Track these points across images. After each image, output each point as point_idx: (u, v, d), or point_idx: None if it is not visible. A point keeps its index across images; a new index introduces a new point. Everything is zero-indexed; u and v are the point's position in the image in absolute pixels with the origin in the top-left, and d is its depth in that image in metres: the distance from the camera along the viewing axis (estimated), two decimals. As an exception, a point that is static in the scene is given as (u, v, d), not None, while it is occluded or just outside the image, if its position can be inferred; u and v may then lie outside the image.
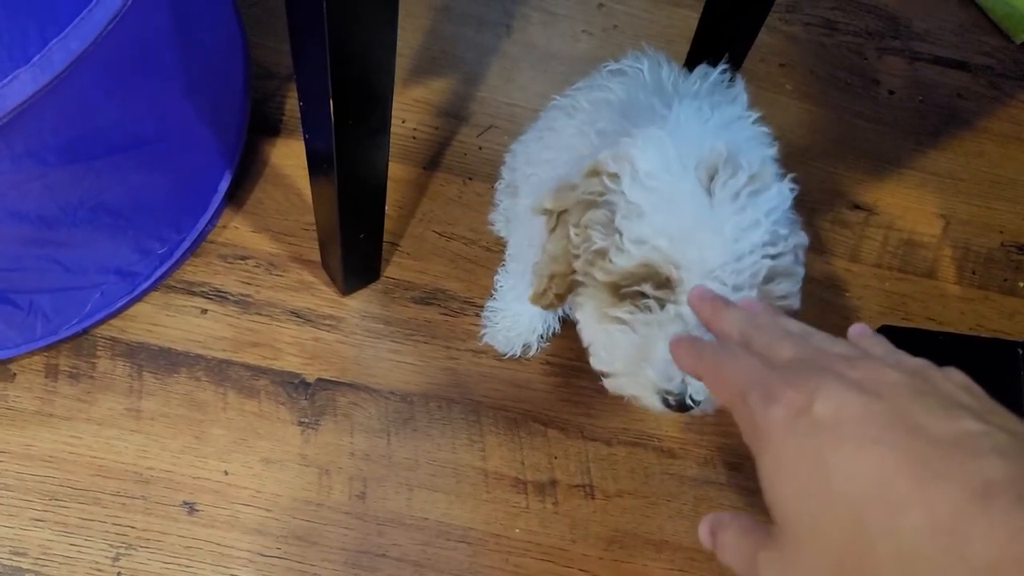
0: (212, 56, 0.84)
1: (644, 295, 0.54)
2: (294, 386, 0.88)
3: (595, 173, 0.56)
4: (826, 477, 0.30)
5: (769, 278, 0.52)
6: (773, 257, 0.52)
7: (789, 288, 0.53)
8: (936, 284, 1.05)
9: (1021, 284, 1.06)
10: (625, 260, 0.53)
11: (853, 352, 0.36)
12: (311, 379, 0.89)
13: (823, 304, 1.01)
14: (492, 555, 0.84)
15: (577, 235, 0.57)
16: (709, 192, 0.52)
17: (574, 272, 0.59)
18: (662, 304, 0.54)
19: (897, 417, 0.30)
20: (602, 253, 0.55)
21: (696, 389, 0.53)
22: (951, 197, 1.11)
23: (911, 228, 1.08)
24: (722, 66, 0.70)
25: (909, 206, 1.09)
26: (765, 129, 0.62)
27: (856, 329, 0.39)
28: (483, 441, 0.88)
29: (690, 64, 0.89)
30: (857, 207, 1.08)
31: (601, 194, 0.55)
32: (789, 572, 0.31)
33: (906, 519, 0.28)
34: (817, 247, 1.04)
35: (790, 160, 0.60)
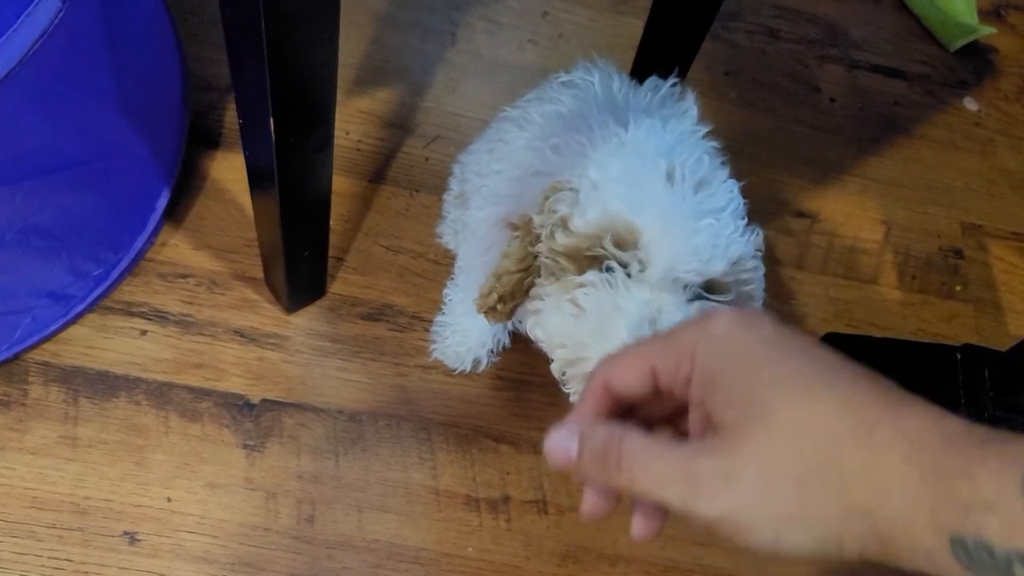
0: (147, 70, 0.81)
1: (607, 256, 0.53)
2: (238, 408, 0.86)
3: (556, 189, 0.57)
4: (809, 385, 0.32)
5: (736, 259, 0.53)
6: (736, 235, 0.53)
7: (752, 277, 0.54)
8: (879, 290, 1.07)
9: (958, 288, 1.08)
10: (587, 220, 0.53)
11: None
12: (256, 400, 0.87)
13: (769, 312, 1.02)
14: (445, 575, 0.83)
15: (541, 217, 0.57)
16: (670, 180, 0.53)
17: (526, 278, 0.59)
18: (628, 271, 0.53)
19: (847, 360, 0.33)
20: (564, 220, 0.55)
21: None
22: (891, 203, 1.13)
23: (854, 235, 1.10)
24: (672, 79, 0.70)
25: (852, 212, 1.11)
26: (715, 144, 0.62)
27: None
28: (434, 459, 0.87)
29: (637, 72, 0.89)
30: (801, 215, 1.09)
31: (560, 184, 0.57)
32: (740, 476, 0.30)
33: (878, 431, 0.30)
34: (763, 256, 1.05)
35: (735, 169, 0.60)
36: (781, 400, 0.31)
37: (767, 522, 0.30)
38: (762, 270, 0.56)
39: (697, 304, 0.53)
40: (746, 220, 0.57)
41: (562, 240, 0.54)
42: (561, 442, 0.34)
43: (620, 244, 0.52)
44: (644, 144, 0.56)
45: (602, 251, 0.53)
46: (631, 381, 0.35)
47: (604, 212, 0.53)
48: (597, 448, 0.33)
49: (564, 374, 0.56)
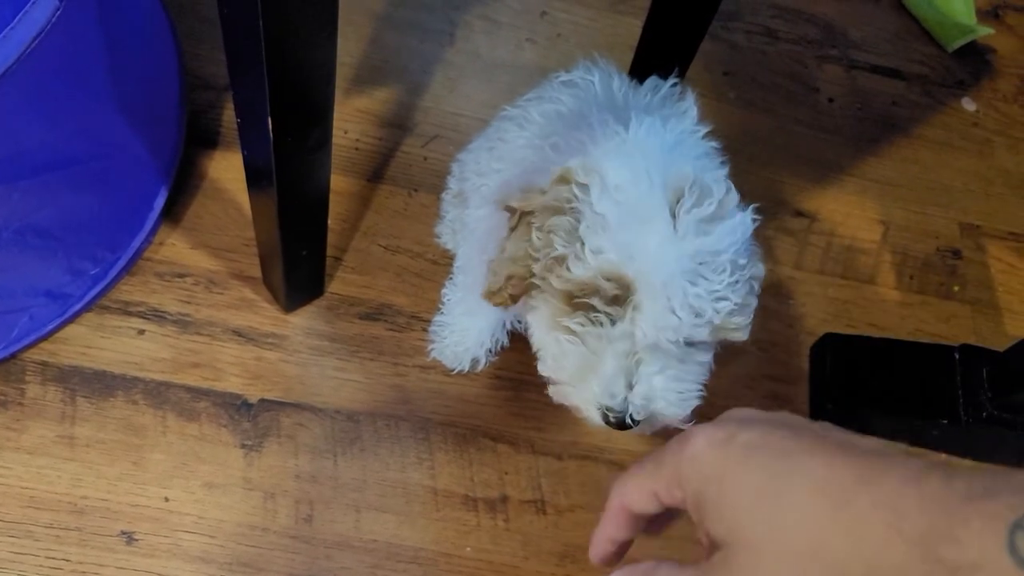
0: (145, 69, 0.81)
1: (596, 308, 0.54)
2: (236, 407, 0.86)
3: (564, 180, 0.56)
4: (775, 484, 0.33)
5: (723, 310, 0.52)
6: (732, 286, 0.52)
7: (740, 321, 0.54)
8: (877, 290, 1.07)
9: (956, 288, 1.08)
10: (582, 270, 0.53)
11: None
12: (254, 400, 0.87)
13: (767, 312, 1.02)
14: (443, 575, 0.83)
15: (539, 239, 0.56)
16: (674, 215, 0.52)
17: (532, 275, 0.59)
18: (613, 321, 0.53)
19: (823, 438, 0.34)
20: (561, 260, 0.54)
21: (636, 409, 0.53)
22: (889, 203, 1.13)
23: (852, 234, 1.10)
24: (672, 79, 0.70)
25: (850, 212, 1.11)
26: (715, 144, 0.62)
27: None
28: (432, 459, 0.87)
29: (635, 72, 0.89)
30: (800, 214, 1.09)
31: (568, 201, 0.55)
32: None
33: (854, 505, 0.31)
34: (762, 255, 1.05)
35: (735, 168, 0.60)
36: (754, 512, 0.33)
37: None
38: (754, 305, 0.56)
39: (681, 353, 0.53)
40: (756, 249, 0.57)
41: (557, 284, 0.55)
42: None
43: (612, 299, 0.53)
44: (646, 142, 0.56)
45: (593, 302, 0.53)
46: (642, 504, 0.39)
47: (599, 265, 0.52)
48: None
49: (553, 395, 0.58)
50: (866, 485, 0.31)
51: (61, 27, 0.59)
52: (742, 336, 0.55)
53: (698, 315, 0.51)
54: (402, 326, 0.93)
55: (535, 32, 1.15)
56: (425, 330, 0.92)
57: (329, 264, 0.91)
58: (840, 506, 0.31)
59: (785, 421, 0.36)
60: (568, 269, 0.53)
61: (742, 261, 0.53)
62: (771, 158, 1.12)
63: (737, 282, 0.52)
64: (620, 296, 0.52)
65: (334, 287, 0.93)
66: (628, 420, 0.54)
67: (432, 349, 0.91)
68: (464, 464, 0.87)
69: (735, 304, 0.52)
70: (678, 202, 0.52)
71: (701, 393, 0.56)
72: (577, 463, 0.89)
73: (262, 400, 0.87)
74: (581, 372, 0.55)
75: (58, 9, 0.58)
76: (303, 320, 0.91)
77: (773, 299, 1.03)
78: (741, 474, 0.34)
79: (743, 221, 0.54)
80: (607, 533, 0.41)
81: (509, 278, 0.60)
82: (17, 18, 0.55)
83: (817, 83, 1.20)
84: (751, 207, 0.55)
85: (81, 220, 0.78)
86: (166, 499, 0.81)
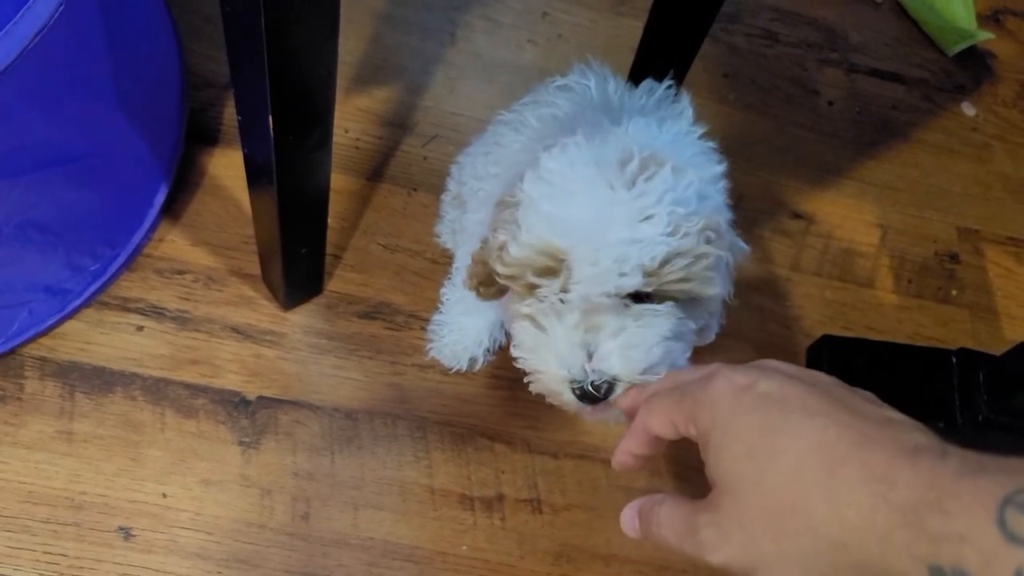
0: (146, 67, 0.81)
1: (539, 286, 0.54)
2: (234, 404, 0.86)
3: (505, 205, 0.58)
4: (773, 439, 0.34)
5: (665, 260, 0.51)
6: (668, 235, 0.51)
7: (688, 269, 0.52)
8: (874, 293, 1.07)
9: (954, 292, 1.09)
10: (518, 250, 0.54)
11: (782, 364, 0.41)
12: (252, 397, 0.87)
13: (764, 313, 1.02)
14: (439, 573, 0.83)
15: (492, 238, 0.57)
16: (611, 186, 0.52)
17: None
18: (562, 299, 0.53)
19: (836, 400, 0.35)
20: (502, 247, 0.55)
21: (598, 374, 0.52)
22: (888, 207, 1.13)
23: (850, 237, 1.10)
24: (668, 81, 0.70)
25: (848, 215, 1.11)
26: (712, 144, 0.62)
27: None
28: (429, 458, 0.87)
29: (635, 74, 0.89)
30: (798, 216, 1.10)
31: (513, 196, 0.56)
32: (728, 527, 0.35)
33: (843, 470, 0.32)
34: (758, 256, 1.05)
35: (733, 170, 0.61)
36: (745, 465, 0.35)
37: (761, 563, 0.34)
38: (710, 253, 0.53)
39: (635, 312, 0.52)
40: (714, 195, 0.56)
41: (502, 270, 0.55)
42: (628, 519, 0.42)
43: (548, 271, 0.53)
44: (638, 143, 0.56)
45: (534, 280, 0.54)
46: (662, 429, 0.42)
47: (531, 241, 0.53)
48: (645, 514, 0.41)
49: (533, 389, 0.57)
50: (860, 452, 0.32)
51: (63, 24, 0.59)
52: (712, 291, 0.54)
53: (624, 261, 0.50)
54: (400, 325, 0.93)
55: (536, 33, 1.15)
56: (423, 329, 0.92)
57: (328, 262, 0.91)
58: (829, 470, 0.32)
59: (811, 378, 0.37)
60: (508, 253, 0.54)
61: (682, 210, 0.51)
62: (770, 160, 1.13)
63: (678, 229, 0.51)
64: (555, 268, 0.53)
65: (333, 285, 0.93)
66: (590, 389, 0.52)
67: (430, 348, 0.91)
68: (461, 463, 0.88)
69: (672, 250, 0.51)
70: (621, 172, 0.52)
71: (677, 356, 0.54)
72: (573, 462, 0.90)
73: (260, 397, 0.87)
74: (542, 354, 0.54)
75: (60, 5, 0.58)
76: (302, 318, 0.91)
77: (770, 300, 1.03)
78: (743, 426, 0.36)
79: (678, 172, 0.52)
80: (628, 446, 0.44)
81: (478, 263, 0.61)
82: (19, 14, 0.55)
83: (817, 86, 1.21)
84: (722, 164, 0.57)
85: (81, 216, 0.78)
86: (164, 495, 0.81)
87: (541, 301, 0.54)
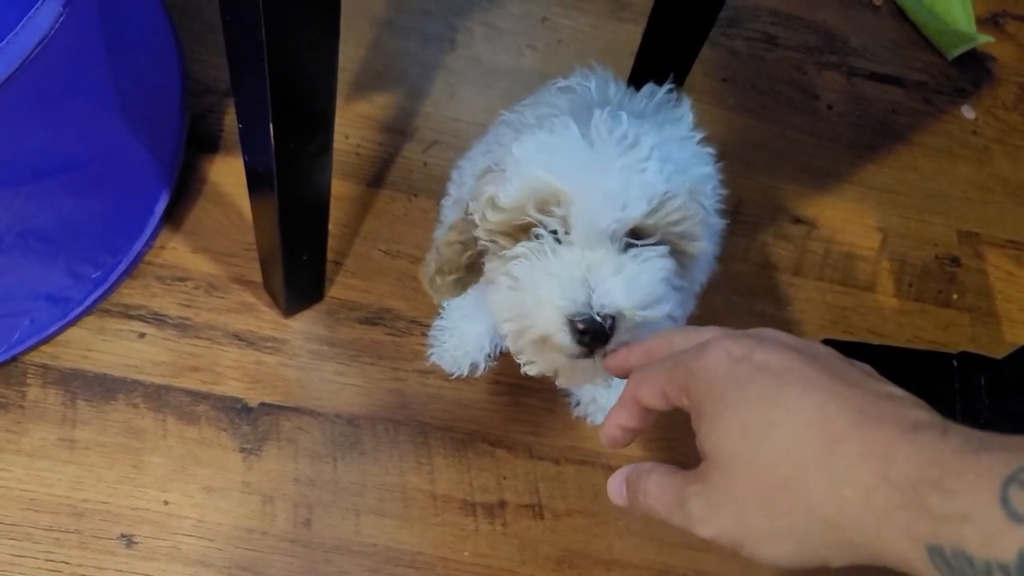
0: (147, 74, 0.82)
1: (535, 225, 0.54)
2: (236, 411, 0.86)
3: (488, 172, 0.59)
4: (769, 413, 0.33)
5: (662, 202, 0.52)
6: (661, 177, 0.53)
7: (683, 211, 0.53)
8: (875, 297, 1.07)
9: (954, 296, 1.09)
10: (511, 193, 0.54)
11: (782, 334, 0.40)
12: (253, 404, 0.87)
13: (766, 318, 1.02)
14: (441, 579, 0.83)
15: (475, 203, 0.58)
16: (603, 141, 0.53)
17: (461, 245, 0.60)
18: (558, 240, 0.54)
19: (835, 374, 0.34)
20: (493, 199, 0.55)
21: (603, 306, 0.51)
22: (888, 211, 1.13)
23: (851, 241, 1.10)
24: (668, 85, 0.70)
25: (849, 219, 1.11)
26: (710, 149, 0.62)
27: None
28: (431, 463, 0.87)
29: (635, 78, 0.89)
30: (799, 221, 1.10)
31: (497, 164, 0.58)
32: (718, 500, 0.34)
33: (841, 447, 0.31)
34: (760, 261, 1.05)
35: (733, 174, 0.61)
36: (739, 439, 0.34)
37: (751, 539, 0.33)
38: (698, 210, 0.55)
39: (632, 254, 0.53)
40: (683, 164, 0.57)
41: (492, 217, 0.55)
42: (615, 486, 0.41)
43: (544, 208, 0.53)
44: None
45: (529, 218, 0.54)
46: (652, 400, 0.40)
47: (526, 181, 0.53)
48: (632, 483, 0.40)
49: (518, 347, 0.56)
50: (859, 429, 0.31)
51: (64, 33, 0.59)
52: (701, 245, 0.55)
53: (622, 201, 0.51)
54: (401, 331, 0.93)
55: (536, 38, 1.15)
56: (424, 335, 0.92)
57: (329, 269, 0.91)
58: (828, 446, 0.31)
59: (809, 349, 0.36)
60: (499, 200, 0.55)
61: (671, 165, 0.53)
62: (770, 164, 1.13)
63: (671, 178, 0.53)
64: (551, 203, 0.53)
65: (334, 291, 0.94)
66: (598, 320, 0.50)
67: (431, 354, 0.91)
68: (463, 469, 0.88)
69: (668, 192, 0.53)
70: (589, 137, 0.54)
71: (674, 305, 0.54)
72: (575, 468, 0.90)
73: (262, 404, 0.87)
74: (538, 298, 0.52)
75: (61, 15, 0.59)
76: (303, 324, 0.91)
77: (771, 305, 1.03)
78: (738, 398, 0.34)
79: (675, 127, 0.56)
80: (617, 419, 0.43)
81: (439, 264, 0.62)
82: (20, 24, 0.56)
83: (817, 90, 1.21)
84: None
85: (82, 224, 0.78)
86: (165, 502, 0.81)
87: (537, 239, 0.54)
